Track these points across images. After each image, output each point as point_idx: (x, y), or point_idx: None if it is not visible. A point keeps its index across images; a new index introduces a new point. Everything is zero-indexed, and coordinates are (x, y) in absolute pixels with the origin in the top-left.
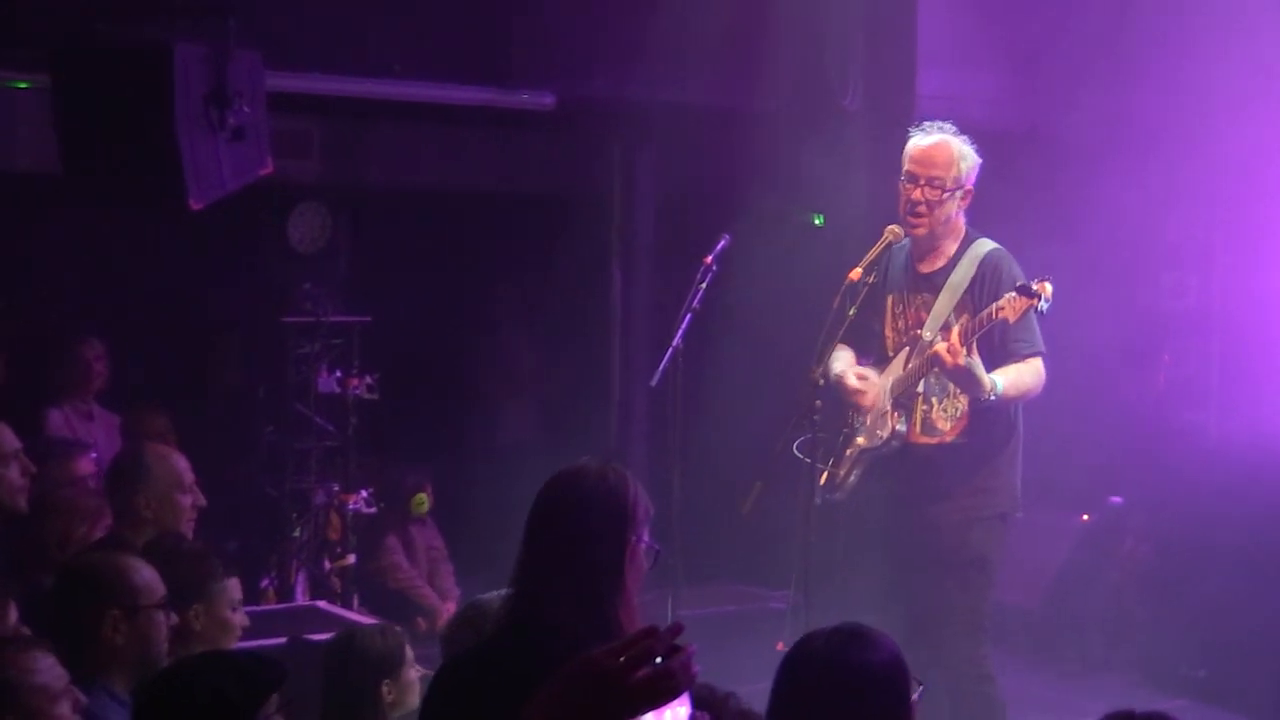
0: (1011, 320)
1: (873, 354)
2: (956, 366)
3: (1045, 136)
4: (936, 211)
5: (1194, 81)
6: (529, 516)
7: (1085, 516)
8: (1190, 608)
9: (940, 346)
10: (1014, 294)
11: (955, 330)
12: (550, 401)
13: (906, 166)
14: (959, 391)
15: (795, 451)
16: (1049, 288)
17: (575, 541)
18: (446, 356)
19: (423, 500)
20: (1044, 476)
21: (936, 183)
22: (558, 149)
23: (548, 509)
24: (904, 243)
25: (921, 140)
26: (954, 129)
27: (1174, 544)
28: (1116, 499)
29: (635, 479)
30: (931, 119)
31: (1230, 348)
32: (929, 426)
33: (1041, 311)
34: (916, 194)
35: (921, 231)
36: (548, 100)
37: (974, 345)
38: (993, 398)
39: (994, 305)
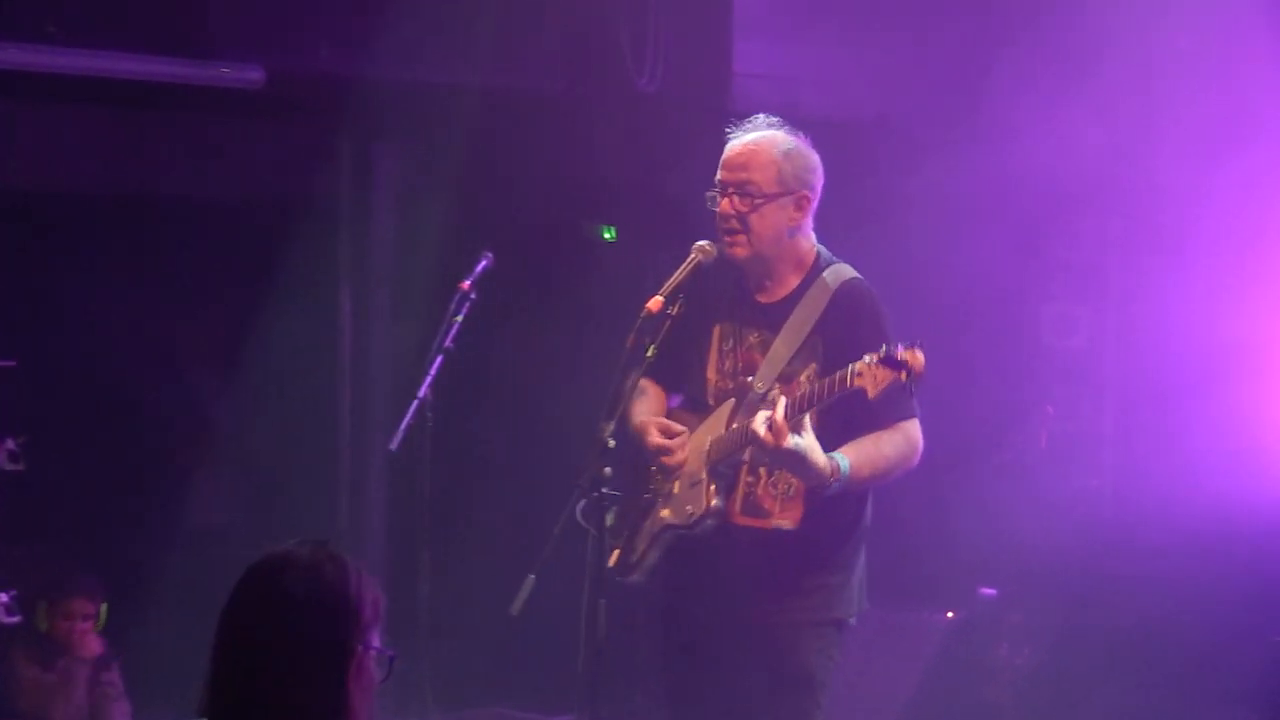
0: (871, 394)
1: (685, 394)
2: (778, 449)
3: (896, 127)
4: (755, 225)
5: (1076, 67)
6: (219, 623)
7: (949, 614)
8: None
9: (759, 421)
10: (875, 360)
11: (781, 402)
12: (259, 471)
13: (718, 174)
14: None
15: (578, 519)
16: (920, 358)
17: (280, 655)
18: (118, 413)
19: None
20: (896, 565)
21: (749, 188)
22: (269, 140)
23: (243, 613)
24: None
25: (737, 139)
26: (783, 123)
27: (1061, 647)
28: (988, 591)
29: (358, 567)
30: (753, 102)
31: (1129, 396)
32: (753, 505)
33: (910, 390)
34: (725, 205)
35: (741, 253)
36: (255, 76)
37: (806, 420)
38: (835, 486)
39: (847, 370)
